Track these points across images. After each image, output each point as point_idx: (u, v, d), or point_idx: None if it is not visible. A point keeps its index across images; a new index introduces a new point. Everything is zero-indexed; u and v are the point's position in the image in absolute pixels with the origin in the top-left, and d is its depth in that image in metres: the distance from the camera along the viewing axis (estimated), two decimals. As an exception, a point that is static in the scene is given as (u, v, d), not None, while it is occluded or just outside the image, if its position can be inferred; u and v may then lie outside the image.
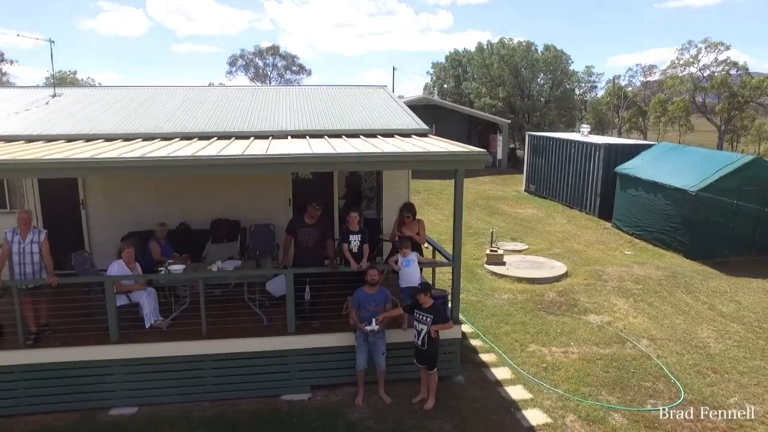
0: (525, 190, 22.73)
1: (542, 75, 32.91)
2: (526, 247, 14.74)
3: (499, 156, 29.44)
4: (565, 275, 12.33)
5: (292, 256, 7.75)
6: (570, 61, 32.39)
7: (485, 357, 8.62)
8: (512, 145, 32.96)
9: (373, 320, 6.97)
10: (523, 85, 32.66)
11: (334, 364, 7.52)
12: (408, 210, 7.90)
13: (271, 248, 9.58)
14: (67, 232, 9.89)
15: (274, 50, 62.91)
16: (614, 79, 44.28)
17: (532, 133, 23.24)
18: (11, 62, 47.70)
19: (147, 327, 7.37)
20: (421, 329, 6.95)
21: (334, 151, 7.08)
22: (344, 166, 6.88)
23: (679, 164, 14.78)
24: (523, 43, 32.58)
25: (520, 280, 11.97)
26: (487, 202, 21.00)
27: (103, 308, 7.59)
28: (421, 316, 6.98)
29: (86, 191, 9.97)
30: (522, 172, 24.62)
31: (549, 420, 6.98)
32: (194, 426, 6.75)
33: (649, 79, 55.22)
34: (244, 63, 62.37)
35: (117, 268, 7.31)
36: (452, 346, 7.69)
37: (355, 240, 7.62)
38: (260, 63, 62.54)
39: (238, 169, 6.98)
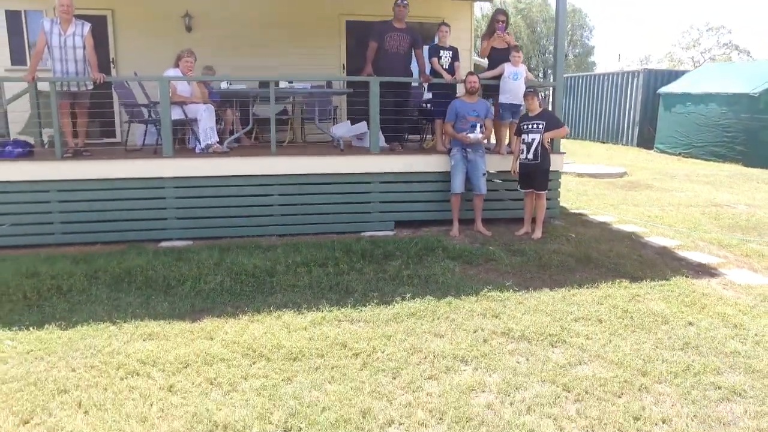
0: (549, 136, 21.90)
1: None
2: (573, 161, 13.86)
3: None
4: (626, 174, 11.45)
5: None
6: (586, 17, 31.92)
7: (578, 212, 7.68)
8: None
9: (478, 126, 5.99)
10: (541, 41, 32.03)
11: (422, 196, 6.50)
12: (503, 13, 6.79)
13: (326, 114, 8.57)
14: (96, 97, 8.80)
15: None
16: (619, 56, 43.94)
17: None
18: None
19: (203, 146, 6.29)
20: (533, 140, 5.98)
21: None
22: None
23: (732, 74, 14.04)
24: (539, -1, 32.03)
25: (581, 175, 11.08)
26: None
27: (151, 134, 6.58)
28: (530, 126, 6.01)
29: (118, 48, 8.86)
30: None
31: (679, 242, 6.06)
32: (266, 249, 5.65)
33: (646, 67, 55.27)
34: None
35: (173, 74, 6.24)
36: (553, 182, 6.72)
37: (446, 56, 6.62)
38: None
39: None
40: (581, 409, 2.97)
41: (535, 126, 5.98)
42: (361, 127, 7.38)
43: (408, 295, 4.39)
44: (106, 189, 5.95)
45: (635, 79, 16.96)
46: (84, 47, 5.92)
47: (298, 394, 3.10)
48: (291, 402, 3.02)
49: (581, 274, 4.99)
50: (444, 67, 6.58)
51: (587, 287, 4.64)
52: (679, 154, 14.67)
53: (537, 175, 6.06)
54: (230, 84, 6.62)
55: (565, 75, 22.02)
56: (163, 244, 6.04)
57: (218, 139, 6.42)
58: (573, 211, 7.70)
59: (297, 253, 5.33)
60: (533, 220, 6.27)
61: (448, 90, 6.63)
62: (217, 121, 7.30)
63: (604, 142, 18.38)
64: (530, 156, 6.01)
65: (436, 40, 6.79)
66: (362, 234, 6.32)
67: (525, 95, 6.12)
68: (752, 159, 12.62)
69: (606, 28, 72.32)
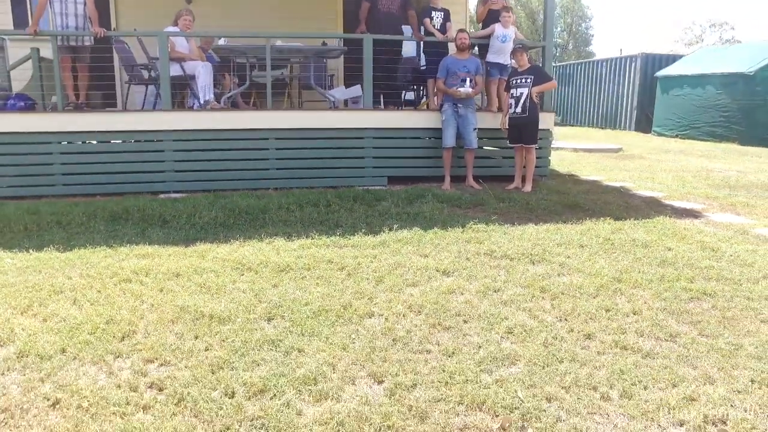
0: (549, 125, 21.99)
1: (560, 21, 32.45)
2: (564, 140, 13.96)
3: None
4: (622, 150, 11.54)
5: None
6: (587, 7, 32.11)
7: (570, 173, 7.79)
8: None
9: (468, 81, 6.12)
10: (540, 32, 32.18)
11: (415, 152, 6.63)
12: None
13: (322, 80, 8.70)
14: (96, 52, 8.93)
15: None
16: (620, 51, 44.05)
17: (557, 63, 22.58)
18: None
19: (201, 102, 6.43)
20: (521, 93, 6.10)
21: None
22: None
23: (728, 56, 14.12)
24: (540, -12, 32.19)
25: (576, 150, 11.17)
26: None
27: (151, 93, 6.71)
28: (519, 80, 6.14)
29: (119, 20, 9.02)
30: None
31: (666, 194, 6.16)
32: (262, 196, 5.77)
33: (643, 51, 55.12)
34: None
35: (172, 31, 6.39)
36: (544, 140, 6.84)
37: (438, 17, 6.76)
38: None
39: None
40: (556, 304, 3.09)
41: (523, 80, 6.10)
42: (356, 90, 7.51)
43: (396, 227, 4.52)
44: (107, 141, 6.10)
45: (633, 64, 17.04)
46: (84, 3, 6.09)
47: (282, 294, 3.23)
48: (275, 298, 3.15)
49: (567, 216, 5.10)
50: (436, 27, 6.72)
51: (572, 224, 4.76)
52: (677, 135, 14.74)
53: (526, 128, 6.17)
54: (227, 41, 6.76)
55: (564, 63, 22.12)
56: (161, 196, 6.18)
57: (214, 100, 6.55)
58: (565, 173, 7.81)
59: (290, 196, 5.47)
60: (523, 178, 6.40)
61: (441, 50, 6.76)
62: (215, 86, 7.45)
63: (602, 128, 18.45)
64: (519, 110, 6.12)
65: None
66: (355, 188, 6.45)
67: (514, 51, 6.24)
68: (748, 138, 12.68)
69: (608, 24, 72.35)
